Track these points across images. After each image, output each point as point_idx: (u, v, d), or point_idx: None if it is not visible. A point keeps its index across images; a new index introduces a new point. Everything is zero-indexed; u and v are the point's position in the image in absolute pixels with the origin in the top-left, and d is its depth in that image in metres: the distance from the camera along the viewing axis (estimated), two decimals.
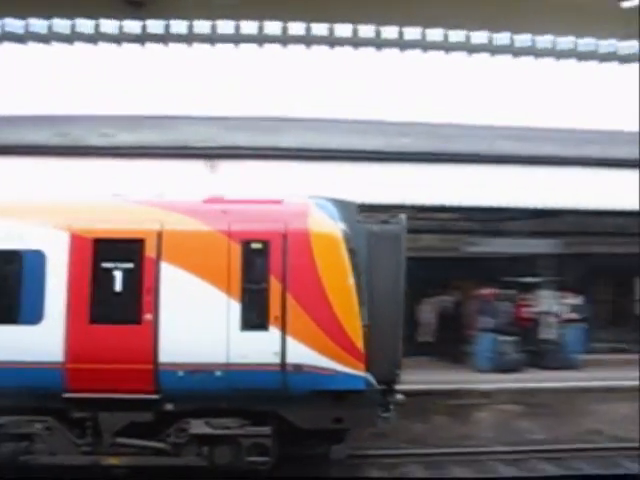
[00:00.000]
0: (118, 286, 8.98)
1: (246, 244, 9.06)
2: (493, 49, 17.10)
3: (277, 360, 8.68)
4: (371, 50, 17.07)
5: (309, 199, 9.55)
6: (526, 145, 15.45)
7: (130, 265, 9.04)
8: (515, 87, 17.54)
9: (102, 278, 8.96)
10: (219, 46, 16.81)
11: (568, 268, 15.23)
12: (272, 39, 16.67)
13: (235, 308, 8.87)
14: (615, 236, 17.41)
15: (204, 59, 17.13)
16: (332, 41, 16.74)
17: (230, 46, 16.84)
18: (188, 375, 8.68)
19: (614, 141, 15.99)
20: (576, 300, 15.38)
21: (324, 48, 16.86)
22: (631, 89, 16.09)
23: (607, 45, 16.81)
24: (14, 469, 8.92)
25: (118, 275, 9.00)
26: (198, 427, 8.94)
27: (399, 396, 9.40)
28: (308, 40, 16.62)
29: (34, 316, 8.82)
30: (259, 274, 9.01)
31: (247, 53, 16.92)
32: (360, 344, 8.81)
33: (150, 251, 8.97)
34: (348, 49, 16.99)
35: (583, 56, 17.15)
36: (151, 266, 8.96)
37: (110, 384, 8.66)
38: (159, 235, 9.01)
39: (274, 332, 8.77)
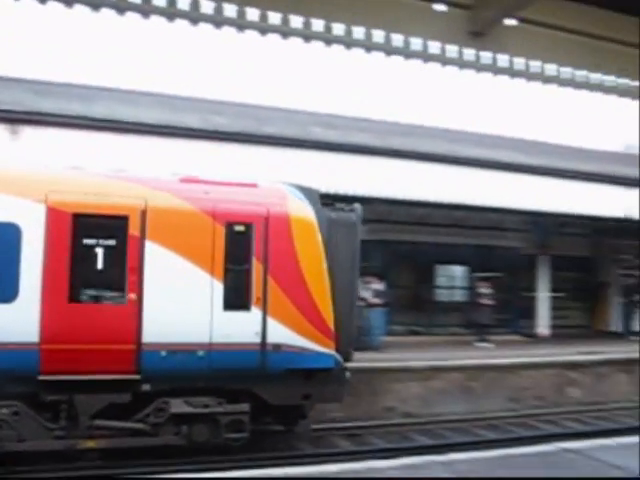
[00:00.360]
0: (100, 264, 8.63)
1: (230, 226, 9.14)
2: (307, 35, 16.85)
3: (258, 340, 8.96)
4: (187, 25, 16.38)
5: (282, 184, 9.83)
6: (337, 133, 15.82)
7: (113, 242, 8.72)
8: (333, 75, 17.36)
9: (83, 255, 8.55)
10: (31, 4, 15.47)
11: (373, 254, 15.62)
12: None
13: (219, 288, 8.94)
14: (420, 225, 18.38)
15: (15, 17, 16.10)
16: (146, 10, 15.84)
17: (40, 7, 15.51)
18: (170, 355, 8.63)
19: (413, 134, 17.16)
20: (379, 285, 16.13)
21: (138, 17, 16.00)
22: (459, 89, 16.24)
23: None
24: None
25: (100, 252, 8.64)
26: (178, 407, 8.94)
27: (347, 373, 9.88)
28: (121, 7, 15.66)
29: (7, 293, 8.20)
30: (242, 256, 9.13)
31: (58, 14, 16.00)
32: (331, 325, 9.38)
33: (134, 229, 8.70)
34: (165, 23, 16.28)
35: (394, 51, 16.90)
36: (135, 244, 8.71)
37: (89, 365, 8.39)
38: (143, 212, 8.75)
39: (256, 313, 9.01)
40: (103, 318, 8.55)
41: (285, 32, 15.99)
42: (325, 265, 9.38)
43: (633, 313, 21.75)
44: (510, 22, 9.87)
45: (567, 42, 9.47)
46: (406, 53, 10.29)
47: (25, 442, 8.34)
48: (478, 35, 9.57)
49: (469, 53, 9.66)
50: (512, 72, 9.05)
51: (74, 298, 8.45)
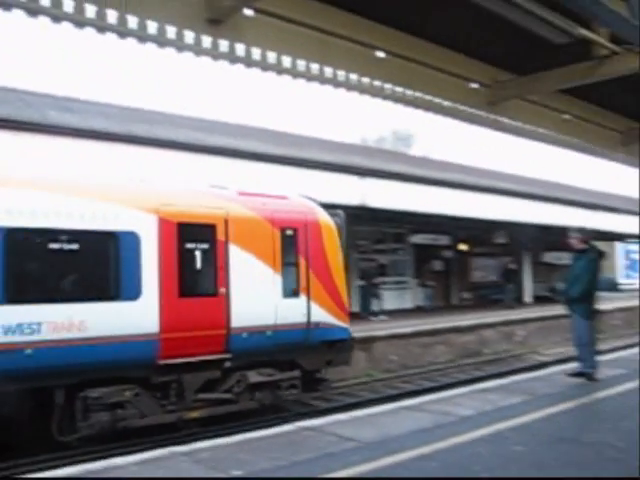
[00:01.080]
0: (198, 264, 10.65)
1: (283, 230, 11.62)
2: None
3: (305, 320, 11.62)
4: None
5: (304, 197, 12.75)
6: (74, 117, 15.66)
7: (206, 246, 10.76)
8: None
9: (186, 257, 10.48)
10: None
11: None
12: None
13: (279, 281, 11.43)
14: None
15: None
16: None
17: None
18: (249, 336, 10.94)
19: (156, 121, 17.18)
20: None
21: None
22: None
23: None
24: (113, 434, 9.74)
25: (197, 254, 10.65)
26: (254, 377, 11.20)
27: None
28: None
29: (133, 292, 9.79)
30: (292, 254, 11.70)
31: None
32: (347, 305, 12.58)
33: (221, 234, 10.82)
34: None
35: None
36: (222, 247, 10.84)
37: (194, 349, 10.37)
38: (226, 221, 10.88)
39: (303, 299, 11.65)
40: (202, 309, 10.55)
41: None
42: (342, 259, 12.41)
43: (371, 295, 23.41)
44: (248, 12, 10.13)
45: (301, 35, 9.93)
46: (140, 36, 10.03)
47: (145, 418, 10.05)
48: (216, 22, 9.64)
49: (207, 40, 9.71)
50: (249, 62, 9.22)
51: (182, 293, 10.32)
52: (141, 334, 9.72)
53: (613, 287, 47.96)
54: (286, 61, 9.02)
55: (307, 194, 14.82)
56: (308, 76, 9.40)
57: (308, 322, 11.63)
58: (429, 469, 5.77)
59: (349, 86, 9.95)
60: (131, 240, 9.81)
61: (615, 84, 12.95)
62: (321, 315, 11.85)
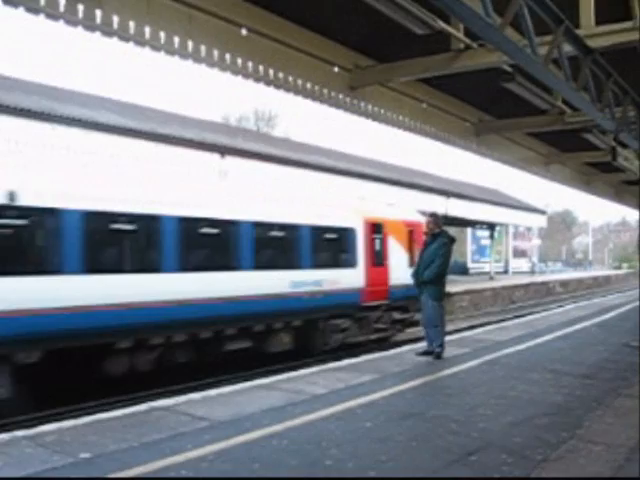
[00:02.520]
0: (377, 247, 17.80)
1: (409, 230, 19.06)
2: None
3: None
4: None
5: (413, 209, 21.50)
6: None
7: (380, 236, 17.94)
8: None
9: (374, 244, 17.67)
10: None
11: None
12: None
13: (406, 258, 18.52)
14: None
15: None
16: None
17: None
18: (397, 290, 17.61)
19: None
20: None
21: None
22: None
23: None
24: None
25: (377, 241, 17.84)
26: (396, 315, 18.34)
27: None
28: None
29: (353, 262, 16.86)
30: (411, 242, 18.79)
31: None
32: None
33: (385, 230, 18.16)
34: None
35: None
36: (385, 237, 18.11)
37: (376, 297, 17.33)
38: (386, 222, 18.30)
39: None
40: (380, 274, 17.60)
41: None
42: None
43: None
44: None
45: (163, 6, 9.64)
46: None
47: (356, 337, 16.86)
48: None
49: (62, 4, 9.19)
50: (108, 31, 8.83)
51: (373, 264, 17.45)
52: (357, 288, 16.74)
53: (463, 271, 50.52)
54: (147, 32, 8.74)
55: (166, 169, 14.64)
56: (169, 49, 9.15)
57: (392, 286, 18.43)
58: (280, 447, 5.85)
59: (211, 62, 9.79)
60: (353, 233, 16.95)
61: (470, 77, 13.53)
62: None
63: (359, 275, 16.70)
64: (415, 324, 18.21)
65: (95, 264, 10.97)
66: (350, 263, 16.59)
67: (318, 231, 15.67)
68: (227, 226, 13.37)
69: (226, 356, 13.51)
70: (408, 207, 21.97)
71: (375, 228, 17.58)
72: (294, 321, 15.01)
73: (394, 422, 6.72)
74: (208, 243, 13.16)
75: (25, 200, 10.08)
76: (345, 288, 16.03)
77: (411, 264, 16.66)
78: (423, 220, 14.64)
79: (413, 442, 6.00)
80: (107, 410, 7.92)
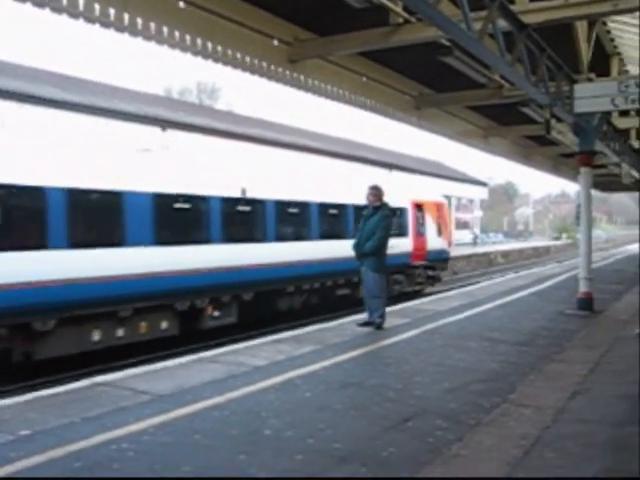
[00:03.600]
0: (421, 221, 24.24)
1: (437, 207, 26.07)
2: None
3: (442, 247, 26.29)
4: None
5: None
6: None
7: (421, 214, 24.32)
8: None
9: (419, 219, 24.09)
10: None
11: None
12: None
13: (435, 228, 25.15)
14: None
15: None
16: None
17: None
18: (430, 254, 24.46)
19: None
20: None
21: None
22: None
23: None
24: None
25: (420, 218, 24.19)
26: (430, 272, 24.90)
27: None
28: None
29: (406, 233, 23.15)
30: (439, 217, 25.88)
31: None
32: (450, 241, 30.65)
33: (425, 209, 24.73)
34: None
35: None
36: (424, 214, 24.52)
37: (419, 258, 23.67)
38: (426, 203, 25.28)
39: (441, 238, 25.81)
40: (421, 241, 23.96)
41: None
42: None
43: None
44: None
45: None
46: None
47: (405, 288, 22.73)
48: None
49: None
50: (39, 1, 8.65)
51: (416, 234, 23.76)
52: (408, 251, 22.89)
53: None
54: (80, 4, 8.57)
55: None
56: (105, 22, 8.99)
57: (442, 249, 26.13)
58: (221, 418, 5.94)
59: (148, 35, 9.65)
60: (406, 211, 23.26)
61: (410, 51, 13.64)
62: (445, 245, 26.58)
63: (409, 242, 23.21)
64: (439, 280, 26.35)
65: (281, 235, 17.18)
66: (404, 233, 22.94)
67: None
68: (342, 208, 20.05)
69: (337, 299, 19.74)
70: (436, 191, 31.71)
71: (418, 207, 24.12)
72: None
73: (333, 392, 6.87)
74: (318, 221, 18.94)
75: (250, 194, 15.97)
76: (402, 252, 21.59)
77: (439, 235, 25.41)
78: (445, 201, 27.75)
79: (351, 410, 6.15)
80: (49, 387, 7.88)
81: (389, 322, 11.26)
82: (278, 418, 5.88)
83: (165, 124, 26.88)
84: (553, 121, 15.05)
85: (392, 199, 17.94)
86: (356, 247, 11.13)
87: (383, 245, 10.93)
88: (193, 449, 5.11)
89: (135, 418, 5.92)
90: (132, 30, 9.39)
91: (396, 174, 43.02)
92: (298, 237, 18.02)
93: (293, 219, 17.87)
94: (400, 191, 23.14)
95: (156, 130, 26.19)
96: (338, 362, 8.36)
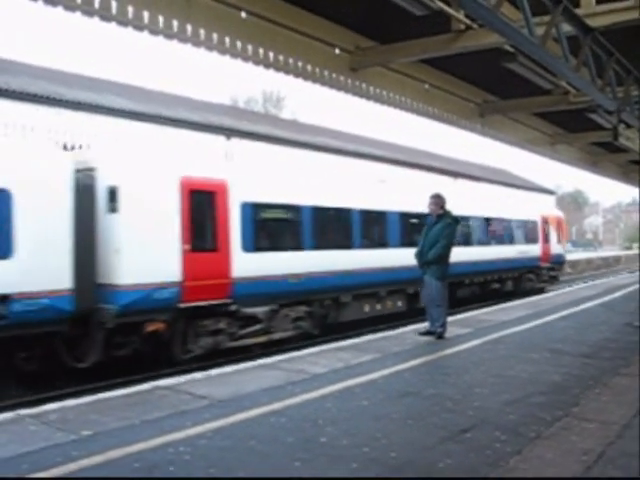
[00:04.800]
0: (546, 232, 28.81)
1: (556, 221, 30.38)
2: None
3: (562, 252, 32.03)
4: None
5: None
6: None
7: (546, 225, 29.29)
8: None
9: (545, 229, 28.80)
10: None
11: None
12: None
13: (556, 238, 29.76)
14: None
15: None
16: None
17: None
18: (552, 257, 29.10)
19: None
20: None
21: None
22: None
23: None
24: None
25: (546, 229, 28.84)
26: (550, 273, 29.64)
27: None
28: None
29: (536, 241, 27.67)
30: (559, 230, 30.34)
31: None
32: (564, 248, 34.08)
33: (548, 221, 29.54)
34: None
35: None
36: (548, 225, 29.06)
37: (545, 260, 28.30)
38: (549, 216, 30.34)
39: (559, 245, 30.87)
40: (547, 247, 28.13)
41: None
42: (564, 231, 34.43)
43: None
44: None
45: None
46: None
47: (535, 285, 27.50)
48: None
49: None
50: (107, 16, 8.88)
51: (544, 242, 28.23)
52: (537, 256, 27.47)
53: None
54: (145, 17, 8.78)
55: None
56: (168, 33, 9.18)
57: (561, 254, 30.15)
58: (278, 424, 5.96)
59: (210, 46, 9.81)
60: (536, 223, 27.92)
61: (473, 58, 13.49)
62: (562, 251, 30.49)
63: (538, 248, 27.47)
64: (557, 279, 30.44)
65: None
66: (535, 241, 27.34)
67: (527, 222, 27.18)
68: (498, 221, 24.93)
69: (491, 292, 23.57)
70: (552, 207, 38.83)
71: (544, 221, 28.45)
72: (514, 273, 25.48)
73: (391, 401, 6.82)
74: (484, 231, 23.89)
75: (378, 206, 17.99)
76: (533, 256, 26.83)
77: (558, 242, 29.73)
78: (562, 214, 31.59)
79: (409, 420, 6.09)
80: (109, 390, 8.07)
81: (450, 332, 11.13)
82: (335, 426, 5.86)
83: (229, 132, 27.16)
84: (621, 127, 14.65)
85: (529, 214, 27.63)
86: (419, 255, 11.04)
87: (446, 254, 10.81)
88: (248, 454, 5.14)
89: (193, 422, 6.00)
90: (195, 41, 9.57)
91: (461, 182, 42.57)
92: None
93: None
94: (533, 207, 30.77)
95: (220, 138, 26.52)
96: (397, 371, 8.30)
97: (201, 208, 12.25)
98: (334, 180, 18.61)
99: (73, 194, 10.55)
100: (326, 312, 15.41)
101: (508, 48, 12.89)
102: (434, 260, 10.72)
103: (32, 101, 19.12)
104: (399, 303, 18.20)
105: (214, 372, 8.61)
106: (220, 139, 26.19)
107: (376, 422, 6.02)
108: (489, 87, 17.65)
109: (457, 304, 19.57)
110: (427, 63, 14.63)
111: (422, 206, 12.12)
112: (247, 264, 12.95)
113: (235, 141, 26.59)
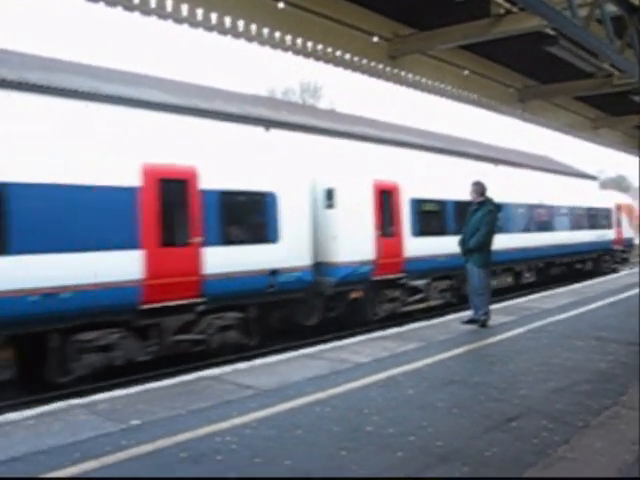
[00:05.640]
0: (618, 217, 31.47)
1: (628, 207, 33.88)
2: None
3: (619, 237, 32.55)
4: None
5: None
6: None
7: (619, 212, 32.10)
8: None
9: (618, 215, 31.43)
10: None
11: None
12: None
13: (627, 223, 33.00)
14: None
15: None
16: None
17: None
18: (624, 240, 32.13)
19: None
20: None
21: None
22: None
23: None
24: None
25: (618, 214, 31.60)
26: (622, 255, 32.59)
27: None
28: None
29: (611, 226, 30.37)
30: (629, 215, 33.17)
31: None
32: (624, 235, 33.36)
33: (621, 207, 32.66)
34: None
35: None
36: (620, 212, 31.84)
37: (618, 244, 31.42)
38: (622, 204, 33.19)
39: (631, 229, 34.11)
40: (619, 232, 30.98)
41: None
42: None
43: None
44: None
45: None
46: None
47: (609, 266, 30.52)
48: None
49: None
50: (146, 10, 8.95)
51: (617, 226, 30.83)
52: (611, 239, 30.21)
53: None
54: (184, 9, 8.83)
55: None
56: (207, 25, 9.22)
57: (631, 238, 32.68)
58: (323, 414, 5.99)
59: (249, 37, 9.83)
60: (610, 211, 30.50)
61: (512, 42, 13.28)
62: (632, 235, 32.57)
63: (612, 233, 29.91)
64: (627, 260, 32.62)
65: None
66: (609, 226, 29.85)
67: (602, 210, 29.58)
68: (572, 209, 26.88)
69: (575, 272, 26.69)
70: (621, 194, 38.13)
71: (617, 207, 30.91)
72: (592, 254, 28.24)
73: (436, 389, 6.80)
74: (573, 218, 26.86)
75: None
76: (608, 239, 29.47)
77: (630, 227, 32.29)
78: (632, 201, 33.10)
79: (454, 409, 6.07)
80: (156, 380, 8.19)
81: (494, 320, 11.05)
82: (380, 415, 5.87)
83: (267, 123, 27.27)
84: None
85: (603, 202, 30.27)
86: (461, 243, 10.97)
87: (488, 241, 10.71)
88: (294, 444, 5.18)
89: (239, 412, 6.07)
90: (234, 33, 9.60)
91: (501, 168, 42.18)
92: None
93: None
94: (608, 196, 32.94)
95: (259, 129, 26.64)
96: (441, 360, 8.28)
97: (386, 203, 15.81)
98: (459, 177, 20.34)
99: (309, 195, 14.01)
100: (460, 285, 17.65)
101: (549, 31, 12.66)
102: (475, 248, 10.63)
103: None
104: (509, 279, 22.05)
105: (258, 362, 8.68)
106: (394, 150, 32.94)
107: (421, 411, 6.02)
108: (529, 71, 17.34)
109: (552, 280, 23.93)
110: (466, 49, 14.42)
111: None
112: (413, 246, 16.46)
113: (401, 150, 33.45)
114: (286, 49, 10.60)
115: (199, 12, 9.12)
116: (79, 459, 4.91)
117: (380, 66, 12.62)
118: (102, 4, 8.56)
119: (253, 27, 9.81)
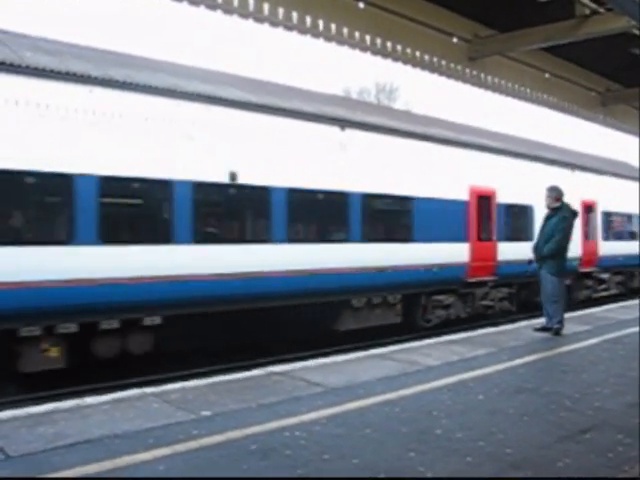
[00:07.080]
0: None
1: None
2: None
3: None
4: None
5: None
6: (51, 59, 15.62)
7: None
8: None
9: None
10: None
11: None
12: None
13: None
14: None
15: None
16: None
17: None
18: None
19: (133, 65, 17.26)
20: None
21: None
22: None
23: None
24: None
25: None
26: None
27: None
28: None
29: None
30: None
31: None
32: None
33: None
34: None
35: None
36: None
37: None
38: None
39: None
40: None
41: None
42: None
43: None
44: None
45: None
46: None
47: None
48: None
49: None
50: (228, 8, 9.13)
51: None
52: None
53: None
54: (266, 9, 8.95)
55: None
56: (288, 25, 9.32)
57: None
58: (392, 414, 5.98)
59: (328, 36, 9.89)
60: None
61: (596, 44, 12.97)
62: None
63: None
64: None
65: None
66: None
67: None
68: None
69: None
70: None
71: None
72: None
73: (506, 396, 6.70)
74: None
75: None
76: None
77: None
78: None
79: (525, 416, 5.97)
80: (227, 373, 8.33)
81: (568, 329, 10.80)
82: (449, 418, 5.83)
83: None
84: None
85: None
86: (535, 250, 10.76)
87: (562, 248, 10.48)
88: (363, 442, 5.19)
89: (307, 408, 6.11)
90: (314, 32, 9.67)
91: (578, 174, 41.11)
92: None
93: None
94: None
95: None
96: (513, 366, 8.15)
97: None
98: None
99: None
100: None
101: (635, 32, 12.29)
102: (549, 255, 10.42)
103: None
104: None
105: (327, 360, 8.72)
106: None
107: (491, 417, 5.94)
108: (612, 74, 16.88)
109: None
110: (547, 51, 14.15)
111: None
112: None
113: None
114: (365, 49, 10.62)
115: (280, 11, 9.22)
116: (152, 445, 5.03)
117: (459, 67, 12.51)
118: (185, 3, 8.74)
119: (333, 26, 9.87)
